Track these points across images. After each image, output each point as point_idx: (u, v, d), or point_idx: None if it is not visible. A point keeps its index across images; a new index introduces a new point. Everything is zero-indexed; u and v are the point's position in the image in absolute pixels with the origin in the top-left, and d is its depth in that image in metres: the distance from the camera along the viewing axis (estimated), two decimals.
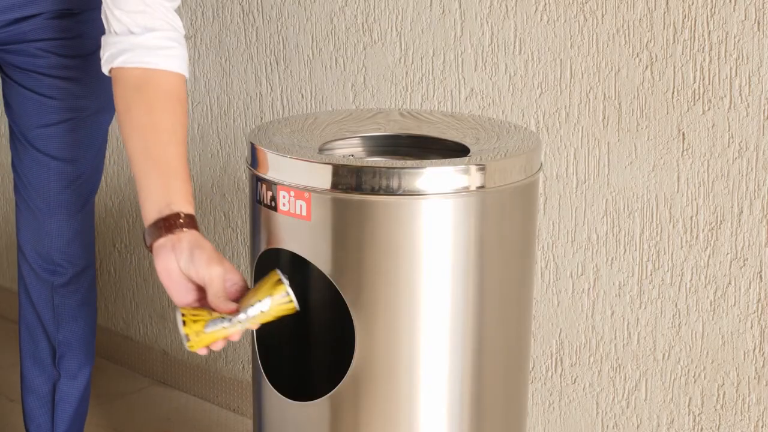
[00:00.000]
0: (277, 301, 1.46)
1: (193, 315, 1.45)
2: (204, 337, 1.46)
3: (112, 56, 1.59)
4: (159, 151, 1.53)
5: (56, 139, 1.91)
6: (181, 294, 1.48)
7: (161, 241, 1.48)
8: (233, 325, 1.45)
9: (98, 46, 1.86)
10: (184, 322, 1.45)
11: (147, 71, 1.56)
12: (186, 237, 1.47)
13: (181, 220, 1.48)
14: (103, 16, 1.61)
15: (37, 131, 1.91)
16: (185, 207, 1.50)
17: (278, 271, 1.47)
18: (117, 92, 1.58)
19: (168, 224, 1.48)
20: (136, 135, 1.54)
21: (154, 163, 1.52)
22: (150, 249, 1.50)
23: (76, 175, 1.95)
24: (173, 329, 2.73)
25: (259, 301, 1.46)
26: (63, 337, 2.05)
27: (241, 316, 1.45)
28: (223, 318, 1.45)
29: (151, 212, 1.50)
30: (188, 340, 1.45)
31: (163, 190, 1.51)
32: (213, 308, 1.46)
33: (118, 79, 1.58)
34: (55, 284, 2.02)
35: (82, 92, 1.90)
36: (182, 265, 1.47)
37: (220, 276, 1.46)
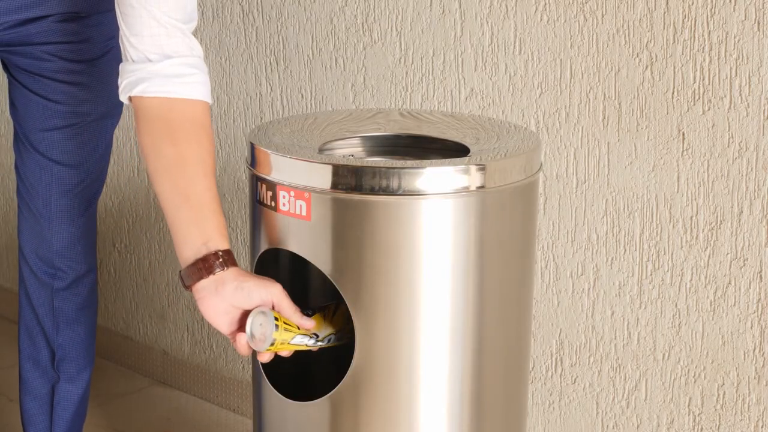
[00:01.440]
0: (345, 334, 1.53)
1: (286, 324, 1.47)
2: (285, 345, 1.48)
3: (131, 84, 1.55)
4: (188, 186, 1.50)
5: (60, 143, 1.91)
6: (233, 325, 1.49)
7: (203, 283, 1.47)
8: (312, 345, 1.51)
9: (105, 51, 1.87)
10: (276, 327, 1.45)
11: (168, 101, 1.53)
12: (228, 277, 1.47)
13: (220, 260, 1.47)
14: (120, 43, 1.57)
15: (40, 134, 1.91)
16: (222, 243, 1.48)
17: None
18: (139, 124, 1.55)
19: (208, 265, 1.47)
20: (163, 170, 1.51)
21: (185, 199, 1.49)
22: (189, 289, 1.49)
23: (79, 180, 1.95)
24: (173, 329, 2.74)
25: (337, 332, 1.53)
26: (62, 340, 2.05)
27: (324, 341, 1.52)
28: (310, 336, 1.50)
29: (187, 252, 1.49)
30: (272, 344, 1.46)
31: (197, 228, 1.49)
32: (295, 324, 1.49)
33: (139, 109, 1.55)
34: (56, 288, 2.01)
35: (88, 97, 1.90)
36: (238, 302, 1.47)
37: (282, 292, 1.47)
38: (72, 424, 2.11)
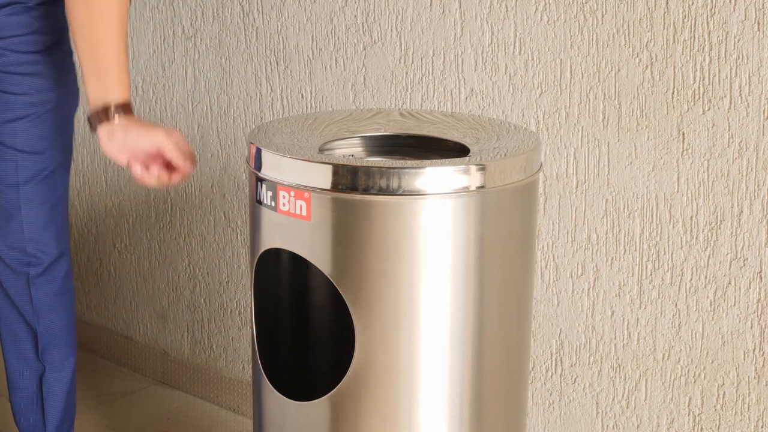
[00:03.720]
0: None
1: None
2: None
3: None
4: (97, 46, 1.78)
5: (22, 132, 1.96)
6: (130, 159, 1.77)
7: (101, 129, 1.78)
8: None
9: (55, 41, 1.96)
10: None
11: None
12: (119, 125, 1.77)
13: (113, 111, 1.77)
14: None
15: (2, 126, 1.94)
16: (119, 97, 1.78)
17: None
18: None
19: (106, 115, 1.77)
20: (76, 29, 1.79)
21: (92, 57, 1.79)
22: (94, 132, 1.79)
23: (42, 167, 1.99)
24: (173, 329, 2.74)
25: None
26: (44, 328, 2.07)
27: None
28: None
29: (91, 102, 1.79)
30: None
31: (99, 82, 1.78)
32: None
33: None
34: (31, 275, 2.04)
35: (45, 85, 1.95)
36: (129, 146, 1.75)
37: (165, 136, 1.73)
38: (64, 417, 2.12)
